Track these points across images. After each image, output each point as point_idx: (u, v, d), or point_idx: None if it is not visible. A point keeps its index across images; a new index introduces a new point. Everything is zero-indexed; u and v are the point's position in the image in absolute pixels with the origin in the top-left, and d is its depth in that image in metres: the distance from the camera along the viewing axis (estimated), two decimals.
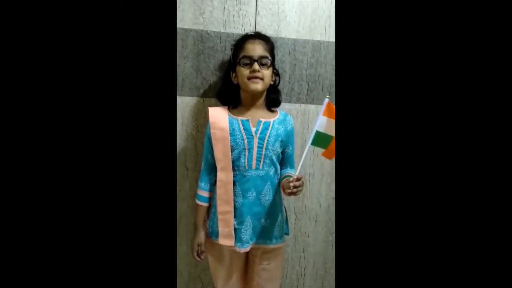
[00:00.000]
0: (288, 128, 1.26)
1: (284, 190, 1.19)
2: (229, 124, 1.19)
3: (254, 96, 1.21)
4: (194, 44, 1.34)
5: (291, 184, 1.08)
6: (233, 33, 1.35)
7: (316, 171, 1.51)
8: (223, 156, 1.18)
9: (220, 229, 1.20)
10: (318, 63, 1.44)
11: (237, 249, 1.20)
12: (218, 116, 1.21)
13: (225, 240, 1.20)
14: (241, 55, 1.19)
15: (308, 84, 1.45)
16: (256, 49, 1.18)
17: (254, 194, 1.20)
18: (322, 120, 1.11)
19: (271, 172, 1.23)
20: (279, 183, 1.25)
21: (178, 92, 1.35)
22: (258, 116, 1.22)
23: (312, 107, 1.46)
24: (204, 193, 1.25)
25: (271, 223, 1.24)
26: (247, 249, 1.21)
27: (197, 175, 1.35)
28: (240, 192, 1.19)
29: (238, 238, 1.20)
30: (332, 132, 1.13)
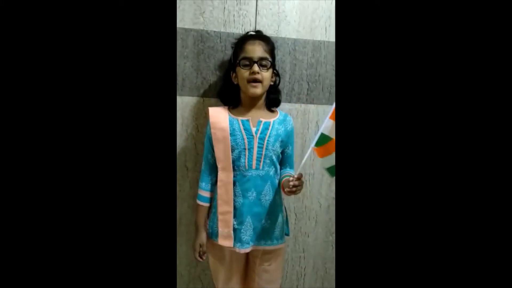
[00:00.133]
0: (288, 128, 1.26)
1: (284, 190, 1.19)
2: (230, 124, 1.19)
3: (254, 97, 1.21)
4: (194, 43, 1.34)
5: (291, 183, 1.08)
6: (233, 33, 1.35)
7: (316, 171, 1.51)
8: (224, 156, 1.18)
9: (219, 229, 1.20)
10: (319, 63, 1.44)
11: (237, 249, 1.19)
12: (219, 116, 1.21)
13: (224, 241, 1.20)
14: (241, 56, 1.19)
15: (308, 84, 1.45)
16: (256, 51, 1.17)
17: (254, 194, 1.19)
18: (329, 123, 1.10)
19: (271, 172, 1.22)
20: (279, 183, 1.25)
21: (178, 92, 1.35)
22: (258, 116, 1.22)
23: (312, 107, 1.46)
24: (205, 193, 1.25)
25: (271, 223, 1.24)
26: (247, 250, 1.20)
27: (197, 175, 1.35)
28: (240, 192, 1.19)
29: (238, 239, 1.19)
30: (334, 135, 1.13)
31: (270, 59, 1.19)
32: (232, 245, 1.19)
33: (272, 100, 1.27)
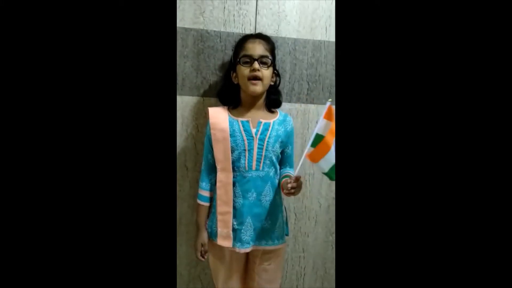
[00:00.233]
0: (288, 129, 1.26)
1: (283, 191, 1.19)
2: (230, 125, 1.19)
3: (254, 97, 1.21)
4: (194, 43, 1.34)
5: (289, 186, 1.08)
6: (233, 33, 1.35)
7: (316, 171, 1.50)
8: (223, 157, 1.18)
9: (219, 229, 1.20)
10: (319, 63, 1.44)
11: (237, 249, 1.19)
12: (218, 117, 1.21)
13: (224, 241, 1.20)
14: (242, 54, 1.18)
15: (309, 84, 1.45)
16: (257, 48, 1.17)
17: (254, 195, 1.19)
18: (322, 123, 1.10)
19: (271, 173, 1.22)
20: (279, 183, 1.25)
21: (178, 92, 1.35)
22: (258, 117, 1.22)
23: (312, 107, 1.46)
24: (205, 193, 1.25)
25: (271, 224, 1.23)
26: (247, 250, 1.20)
27: (197, 175, 1.35)
28: (240, 193, 1.19)
29: (238, 239, 1.19)
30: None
31: (270, 57, 1.19)
32: (231, 245, 1.19)
33: (273, 100, 1.27)
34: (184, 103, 1.36)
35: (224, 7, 1.34)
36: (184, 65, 1.34)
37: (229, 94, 1.26)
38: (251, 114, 1.22)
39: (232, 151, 1.18)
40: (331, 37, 1.43)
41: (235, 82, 1.23)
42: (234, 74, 1.23)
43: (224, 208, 1.19)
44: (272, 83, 1.25)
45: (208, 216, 1.28)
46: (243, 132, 1.18)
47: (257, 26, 1.37)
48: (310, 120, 1.47)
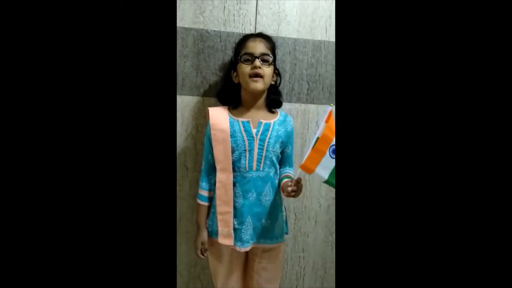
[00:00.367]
0: (288, 129, 1.26)
1: (283, 192, 1.19)
2: (230, 125, 1.19)
3: (255, 96, 1.21)
4: (194, 43, 1.34)
5: (289, 189, 1.08)
6: (233, 32, 1.35)
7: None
8: (224, 157, 1.18)
9: (219, 228, 1.20)
10: (319, 63, 1.44)
11: (237, 248, 1.19)
12: (219, 117, 1.20)
13: (225, 240, 1.20)
14: (243, 52, 1.19)
15: (309, 84, 1.45)
16: (258, 47, 1.18)
17: (254, 195, 1.19)
18: (322, 127, 1.10)
19: (272, 173, 1.22)
20: (278, 183, 1.25)
21: (178, 91, 1.34)
22: (259, 117, 1.22)
23: (312, 106, 1.46)
24: (205, 193, 1.25)
25: (271, 223, 1.24)
26: (248, 249, 1.20)
27: (197, 175, 1.35)
28: (240, 193, 1.19)
29: (238, 238, 1.19)
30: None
31: (271, 55, 1.19)
32: (232, 244, 1.19)
33: (273, 101, 1.27)
34: (184, 103, 1.36)
35: (224, 7, 1.34)
36: (184, 65, 1.34)
37: (229, 94, 1.26)
38: (251, 114, 1.22)
39: (233, 152, 1.18)
40: (331, 37, 1.43)
41: (236, 81, 1.23)
42: (235, 73, 1.23)
43: (224, 208, 1.19)
44: (273, 82, 1.25)
45: (208, 216, 1.28)
46: (243, 133, 1.18)
47: (257, 26, 1.37)
48: (310, 120, 1.47)
